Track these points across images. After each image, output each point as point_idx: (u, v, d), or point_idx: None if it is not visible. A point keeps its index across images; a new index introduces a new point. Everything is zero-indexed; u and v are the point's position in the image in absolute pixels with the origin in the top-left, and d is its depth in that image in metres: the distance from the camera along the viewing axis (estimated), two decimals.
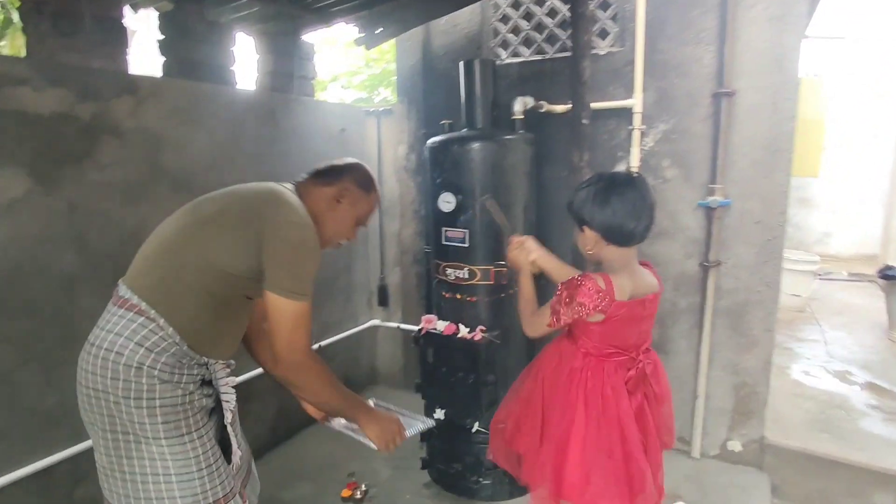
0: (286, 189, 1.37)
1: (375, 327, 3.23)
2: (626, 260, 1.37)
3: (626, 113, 2.36)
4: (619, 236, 1.33)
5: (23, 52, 2.92)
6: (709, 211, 2.26)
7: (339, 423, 1.53)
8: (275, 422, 2.57)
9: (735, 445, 2.34)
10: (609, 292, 1.31)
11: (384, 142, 3.04)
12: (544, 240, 2.22)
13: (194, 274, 1.29)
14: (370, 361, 3.26)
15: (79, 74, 1.71)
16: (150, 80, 1.94)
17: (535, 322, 1.47)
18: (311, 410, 1.58)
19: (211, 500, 1.32)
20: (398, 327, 3.14)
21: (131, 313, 1.25)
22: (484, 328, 2.04)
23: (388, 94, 5.83)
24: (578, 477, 1.37)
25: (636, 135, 2.34)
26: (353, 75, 5.49)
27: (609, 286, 1.31)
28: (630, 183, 1.36)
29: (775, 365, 2.92)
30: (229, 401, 1.38)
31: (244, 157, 2.31)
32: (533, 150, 2.12)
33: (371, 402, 1.60)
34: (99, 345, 1.24)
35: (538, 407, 1.51)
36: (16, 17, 2.46)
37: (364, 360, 3.20)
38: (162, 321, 1.25)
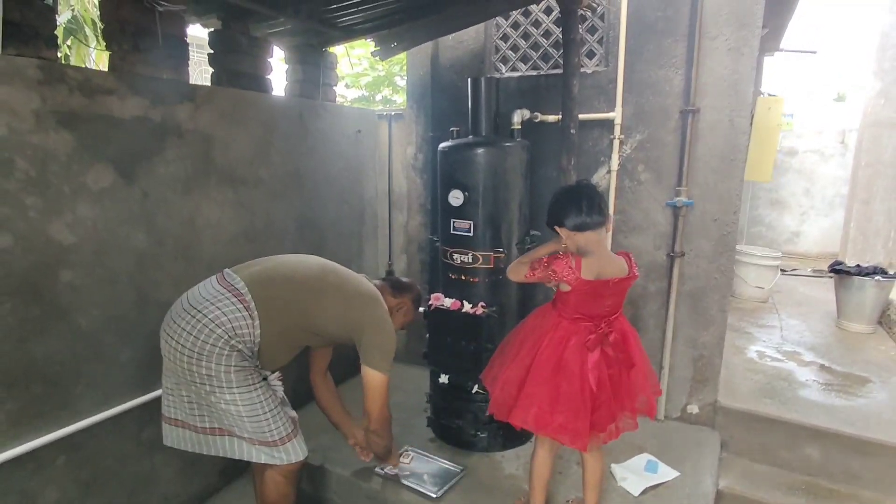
0: (377, 291, 1.99)
1: None
2: (593, 246, 1.76)
3: (609, 124, 2.75)
4: (577, 224, 1.73)
5: (87, 63, 3.26)
6: (675, 209, 2.65)
7: (388, 469, 2.32)
8: (295, 385, 2.92)
9: (693, 409, 2.76)
10: (577, 270, 1.73)
11: (394, 142, 3.40)
12: (536, 231, 2.62)
13: (301, 320, 1.80)
14: None
15: (152, 84, 2.05)
16: (205, 89, 2.28)
17: (518, 269, 1.89)
18: (361, 455, 2.32)
19: (276, 437, 1.72)
20: None
21: (240, 305, 1.69)
22: (484, 304, 2.42)
23: (388, 93, 6.18)
24: (543, 409, 1.79)
25: (616, 143, 2.73)
26: (360, 77, 5.83)
27: (578, 266, 1.73)
28: (575, 188, 1.84)
29: (734, 345, 3.36)
30: (277, 390, 1.86)
31: (277, 154, 2.66)
32: (528, 155, 2.49)
33: (408, 452, 2.44)
34: (205, 314, 1.64)
35: (515, 352, 1.90)
36: (87, 31, 2.79)
37: None
38: (257, 323, 1.67)
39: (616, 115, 2.71)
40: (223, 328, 1.62)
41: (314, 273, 1.87)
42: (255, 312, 1.68)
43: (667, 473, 2.37)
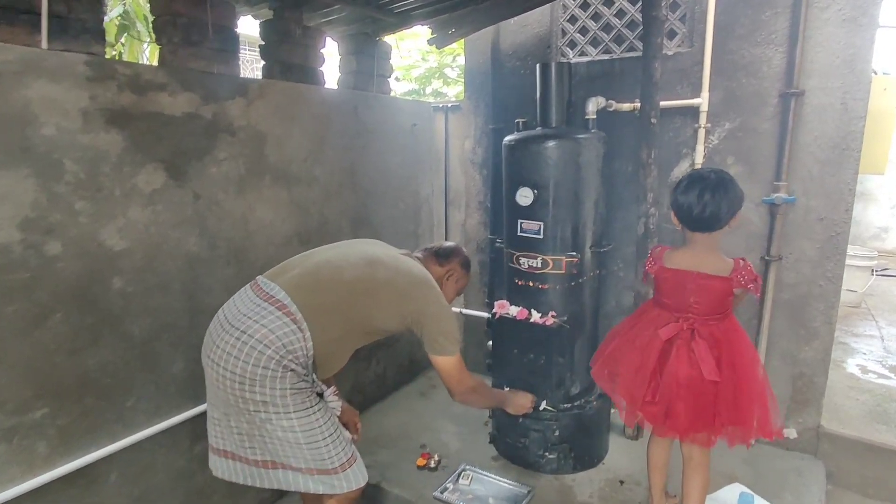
0: (425, 269, 1.83)
1: None
2: (692, 241, 1.74)
3: (692, 111, 2.45)
4: (683, 219, 1.71)
5: (142, 59, 3.23)
6: (772, 207, 2.34)
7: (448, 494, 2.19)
8: (350, 395, 2.79)
9: (791, 433, 2.44)
10: (657, 259, 1.81)
11: (451, 135, 3.20)
12: (608, 231, 2.38)
13: (355, 321, 1.64)
14: None
15: (203, 79, 1.93)
16: (257, 83, 2.15)
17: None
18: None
19: (337, 463, 1.56)
20: (460, 312, 3.32)
21: (287, 318, 1.51)
22: (555, 314, 2.19)
23: (438, 86, 5.99)
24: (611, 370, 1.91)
25: (701, 133, 2.43)
26: (411, 69, 5.66)
27: (659, 255, 1.82)
28: (702, 176, 1.67)
29: (831, 359, 2.98)
30: (336, 407, 1.68)
31: (332, 150, 2.52)
32: (605, 147, 2.24)
33: (468, 472, 2.28)
34: (251, 334, 1.47)
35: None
36: (139, 26, 2.74)
37: None
38: (307, 335, 1.50)
39: (702, 100, 2.41)
40: (273, 347, 1.46)
41: (362, 270, 1.68)
42: (304, 324, 1.51)
43: None
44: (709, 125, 2.44)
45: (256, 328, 1.47)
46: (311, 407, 1.52)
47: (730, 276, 1.67)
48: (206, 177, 1.98)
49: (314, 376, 1.59)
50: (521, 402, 2.15)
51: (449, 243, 2.04)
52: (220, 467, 1.62)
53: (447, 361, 1.72)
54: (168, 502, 1.97)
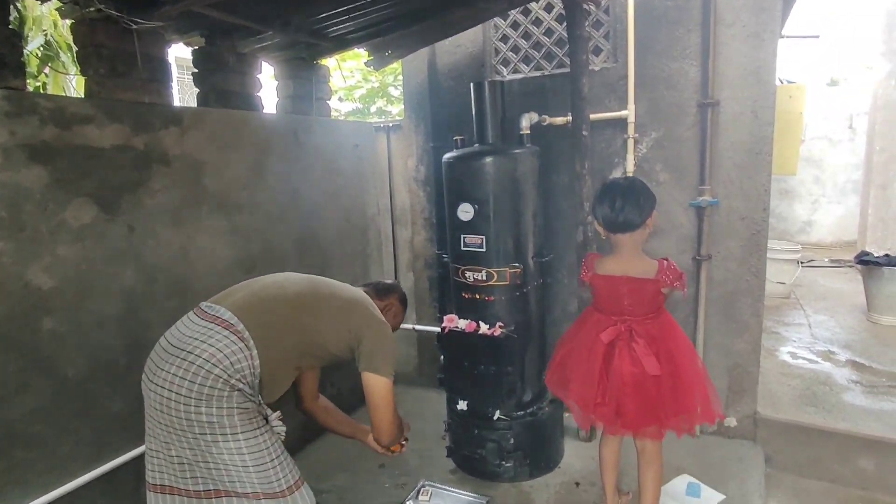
0: (367, 296, 1.84)
1: None
2: (618, 246, 1.84)
3: (621, 123, 2.58)
4: (605, 223, 1.82)
5: (70, 90, 3.11)
6: (699, 210, 2.49)
7: None
8: (304, 423, 2.74)
9: (731, 421, 2.57)
10: (590, 266, 1.91)
11: (394, 154, 3.24)
12: (550, 240, 2.45)
13: (301, 340, 1.64)
14: None
15: (133, 109, 1.90)
16: (191, 111, 2.13)
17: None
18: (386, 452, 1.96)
19: (284, 486, 1.54)
20: (413, 328, 3.34)
21: (234, 336, 1.51)
22: (502, 324, 2.25)
23: (382, 104, 6.04)
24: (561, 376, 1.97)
25: (630, 143, 2.56)
26: (353, 90, 5.69)
27: (591, 262, 1.92)
28: (614, 185, 1.83)
29: (764, 348, 3.16)
30: (280, 431, 1.64)
31: (273, 175, 2.50)
32: (539, 161, 2.33)
33: (427, 488, 2.25)
34: (197, 354, 1.45)
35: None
36: (63, 57, 2.64)
37: None
38: (255, 353, 1.50)
39: (629, 112, 2.54)
40: (221, 366, 1.44)
41: (304, 286, 1.72)
42: (252, 342, 1.51)
43: (711, 497, 2.19)
44: (636, 135, 2.57)
45: (203, 348, 1.46)
46: (259, 428, 1.50)
47: (656, 276, 1.78)
48: (140, 209, 1.94)
49: (260, 398, 1.57)
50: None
51: (388, 280, 2.12)
52: None
53: (380, 383, 1.68)
54: None
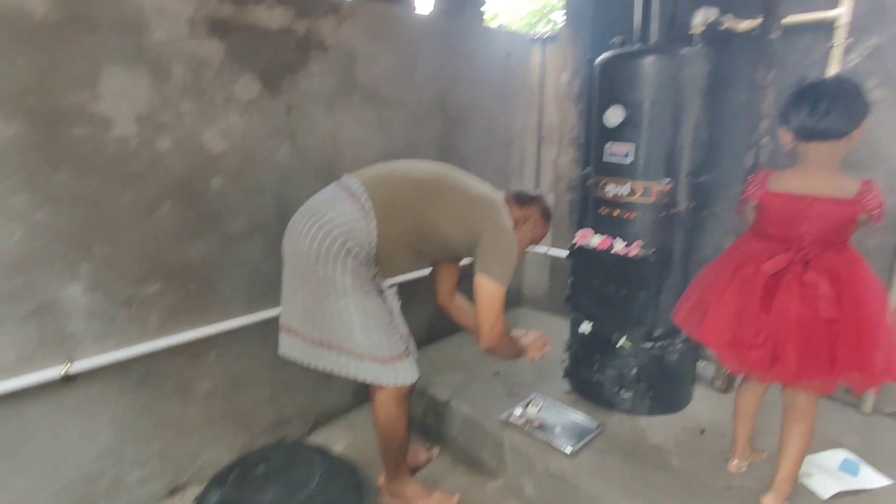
0: (502, 202, 1.78)
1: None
2: (809, 159, 1.51)
3: (826, 27, 2.10)
4: (799, 130, 1.48)
5: None
6: None
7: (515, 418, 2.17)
8: (431, 322, 2.87)
9: None
10: (761, 182, 1.59)
11: (548, 67, 3.06)
12: (711, 162, 2.15)
13: (420, 222, 1.66)
14: (516, 285, 3.43)
15: None
16: (349, 2, 2.20)
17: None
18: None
19: (388, 354, 1.62)
20: (546, 252, 3.24)
21: (357, 206, 1.63)
22: (641, 244, 2.06)
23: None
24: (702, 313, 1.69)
25: (838, 51, 2.09)
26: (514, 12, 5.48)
27: (764, 178, 1.59)
28: (819, 84, 1.47)
29: None
30: (394, 305, 1.73)
31: (421, 75, 2.53)
32: (710, 65, 2.01)
33: (538, 400, 2.26)
34: (320, 215, 1.61)
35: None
36: None
37: (511, 284, 3.37)
38: (373, 225, 1.58)
39: (841, 12, 2.06)
40: (339, 229, 1.56)
41: (431, 175, 1.71)
42: (372, 213, 1.59)
43: (870, 479, 1.84)
44: (851, 40, 2.08)
45: (327, 212, 1.60)
46: (369, 293, 1.59)
47: (855, 198, 1.44)
48: (298, 90, 2.09)
49: (377, 269, 1.65)
50: (536, 344, 2.00)
51: (533, 191, 1.96)
52: (284, 343, 1.75)
53: (490, 287, 1.63)
54: (257, 388, 2.18)
